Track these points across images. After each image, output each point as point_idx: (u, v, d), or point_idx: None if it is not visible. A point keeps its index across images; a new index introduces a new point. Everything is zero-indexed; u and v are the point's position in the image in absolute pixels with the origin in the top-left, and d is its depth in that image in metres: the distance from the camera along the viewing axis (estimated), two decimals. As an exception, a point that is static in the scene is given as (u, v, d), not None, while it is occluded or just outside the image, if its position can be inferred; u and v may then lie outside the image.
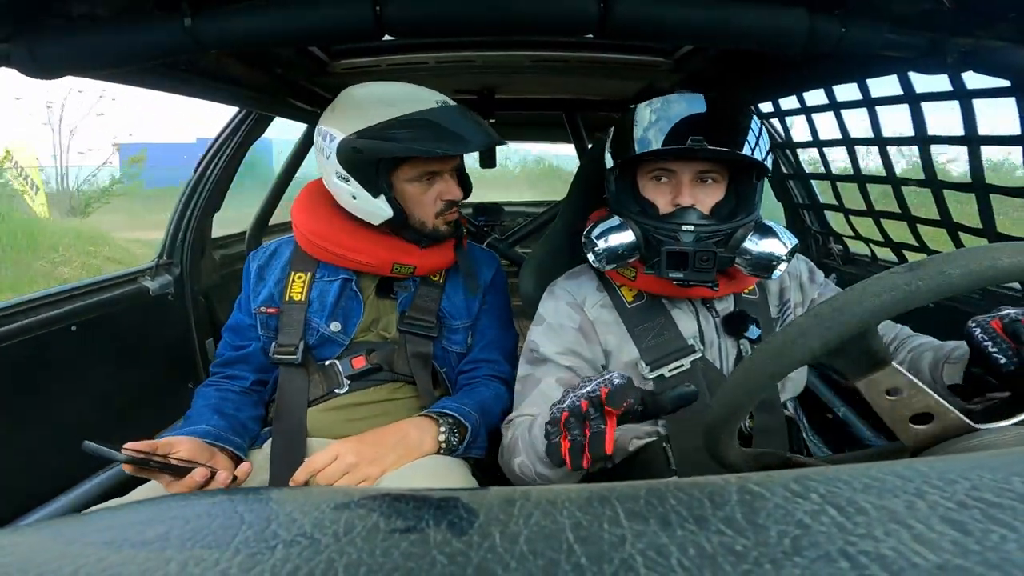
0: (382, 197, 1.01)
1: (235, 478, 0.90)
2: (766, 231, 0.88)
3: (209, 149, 1.73)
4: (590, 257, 0.93)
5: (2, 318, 1.20)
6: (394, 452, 0.92)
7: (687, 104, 0.89)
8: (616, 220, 0.92)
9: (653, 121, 0.89)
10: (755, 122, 0.90)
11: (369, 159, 0.99)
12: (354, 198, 1.02)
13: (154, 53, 0.78)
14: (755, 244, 0.87)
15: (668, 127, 0.87)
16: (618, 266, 0.92)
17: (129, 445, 0.82)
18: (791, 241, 0.88)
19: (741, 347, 0.95)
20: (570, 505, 0.26)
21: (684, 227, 0.87)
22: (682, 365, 0.92)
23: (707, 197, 0.90)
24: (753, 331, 0.94)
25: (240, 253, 2.04)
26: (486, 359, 1.15)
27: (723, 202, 0.91)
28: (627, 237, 0.90)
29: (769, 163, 0.90)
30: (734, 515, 0.24)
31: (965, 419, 0.51)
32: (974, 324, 0.67)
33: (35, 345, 1.25)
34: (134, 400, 1.47)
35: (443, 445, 0.96)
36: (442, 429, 0.96)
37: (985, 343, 0.65)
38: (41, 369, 1.26)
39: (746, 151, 0.86)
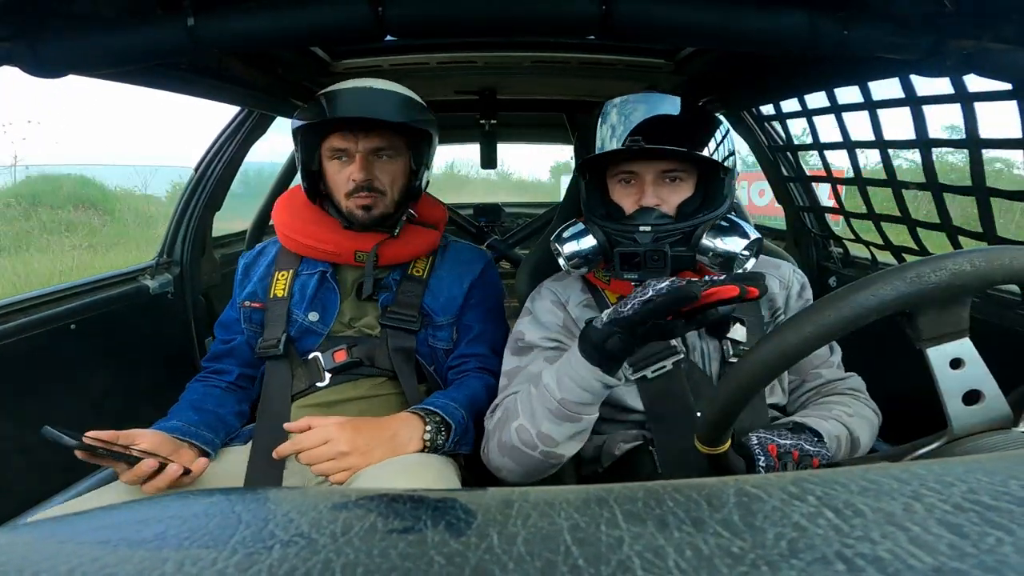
0: (303, 171, 1.10)
1: (188, 471, 0.90)
2: (727, 227, 0.87)
3: (210, 148, 1.73)
4: (560, 261, 0.94)
5: (1, 316, 1.20)
6: (382, 448, 0.92)
7: (639, 105, 0.90)
8: (581, 224, 0.93)
9: (608, 124, 0.90)
10: (716, 119, 0.91)
11: (295, 133, 1.08)
12: (300, 173, 1.11)
13: (157, 53, 0.78)
14: (716, 241, 0.86)
15: (620, 129, 0.87)
16: (589, 269, 0.93)
17: (90, 433, 0.83)
18: (752, 234, 0.87)
19: (724, 348, 0.95)
20: (568, 507, 0.26)
21: (642, 227, 0.87)
22: (664, 366, 0.92)
23: (672, 196, 0.90)
24: (738, 330, 0.94)
25: (240, 252, 2.04)
26: (474, 353, 1.15)
27: (689, 200, 0.91)
28: (590, 241, 0.91)
29: (729, 160, 0.90)
30: (731, 517, 0.24)
31: (1009, 410, 0.52)
32: (755, 438, 0.74)
33: (34, 343, 1.25)
34: (133, 398, 1.48)
35: (428, 444, 0.96)
36: (428, 428, 0.96)
37: (759, 456, 0.72)
38: (40, 367, 1.26)
39: (701, 148, 0.86)
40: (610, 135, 0.89)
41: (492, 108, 2.07)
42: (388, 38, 0.79)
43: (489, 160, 2.52)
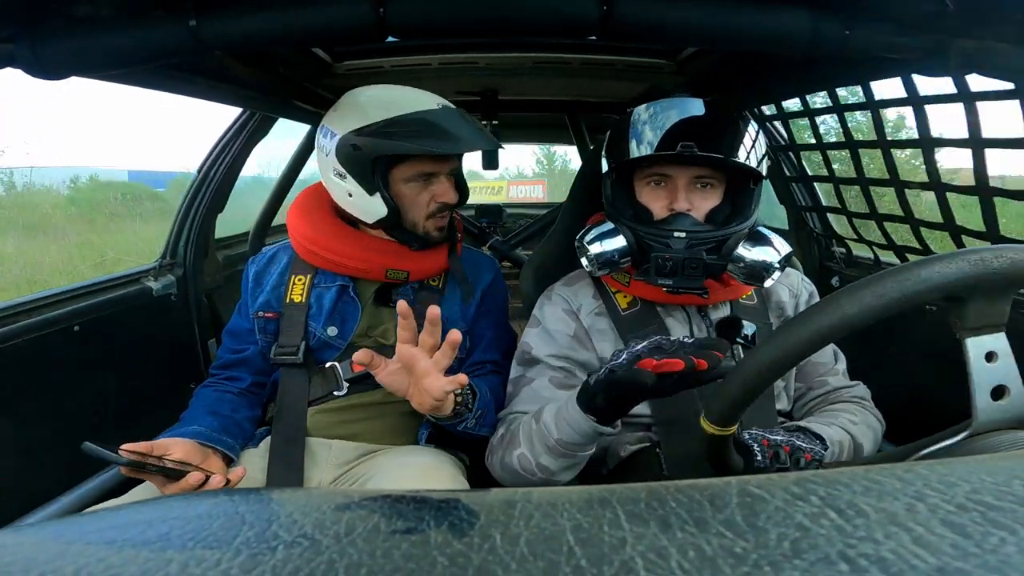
0: (377, 195, 1.01)
1: (228, 481, 0.90)
2: (760, 238, 0.88)
3: (212, 150, 1.74)
4: (583, 262, 0.93)
5: (5, 318, 1.20)
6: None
7: (683, 108, 0.89)
8: (609, 225, 0.92)
9: (649, 125, 0.89)
10: (752, 127, 0.90)
11: (366, 156, 0.99)
12: (350, 195, 1.03)
13: (159, 54, 0.79)
14: (748, 251, 0.86)
15: (663, 131, 0.87)
16: (611, 271, 0.92)
17: (127, 446, 0.83)
18: (784, 248, 0.88)
19: (733, 352, 0.95)
20: (570, 507, 0.26)
21: (676, 233, 0.87)
22: None
23: (703, 202, 0.90)
24: (749, 327, 0.94)
25: (243, 254, 2.04)
26: (490, 359, 1.15)
27: (719, 208, 0.91)
28: (619, 242, 0.90)
29: (764, 169, 0.89)
30: (734, 517, 0.24)
31: None
32: (747, 434, 0.74)
33: (38, 345, 1.25)
34: (136, 400, 1.48)
35: (459, 400, 0.92)
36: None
37: (754, 448, 0.72)
38: (44, 369, 1.26)
39: (741, 157, 0.86)
40: (646, 137, 0.88)
41: (494, 109, 2.07)
42: (390, 39, 0.79)
43: (490, 161, 2.52)
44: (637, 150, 0.88)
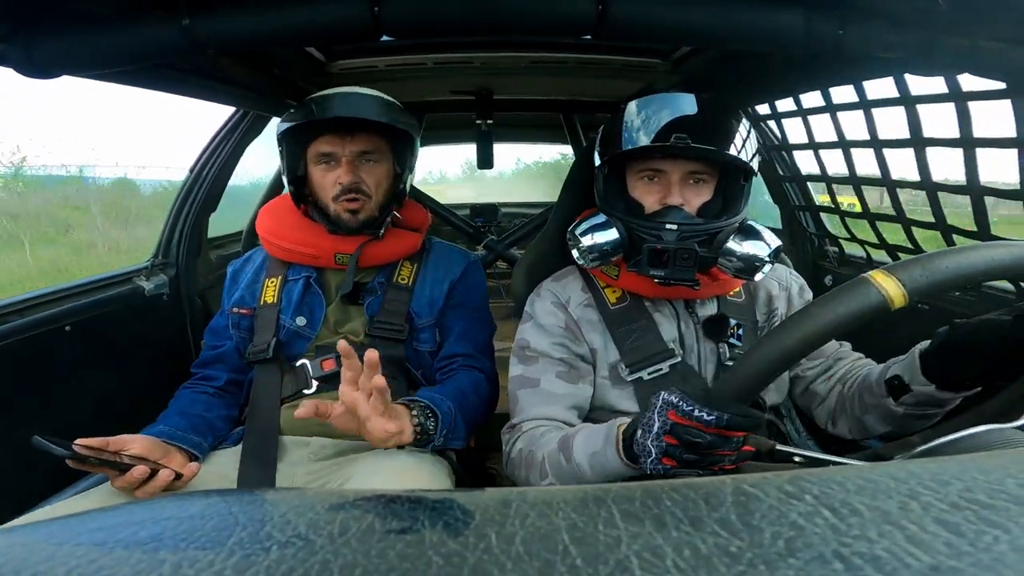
0: (288, 176, 1.11)
1: (179, 475, 0.89)
2: (750, 232, 0.88)
3: (205, 149, 1.73)
4: (574, 254, 0.93)
5: None
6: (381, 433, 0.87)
7: (677, 103, 0.90)
8: (601, 217, 0.93)
9: (642, 119, 0.90)
10: (744, 124, 0.90)
11: (280, 138, 1.08)
12: (284, 178, 1.13)
13: (152, 53, 0.78)
14: (739, 245, 0.87)
15: (657, 125, 0.87)
16: (602, 263, 0.93)
17: (80, 441, 0.83)
18: (775, 242, 0.88)
19: (721, 351, 0.95)
20: (565, 506, 0.26)
21: (668, 225, 0.87)
22: (661, 369, 0.92)
23: (695, 197, 0.91)
24: (735, 332, 0.95)
25: (236, 253, 2.03)
26: (459, 353, 1.16)
27: (710, 202, 0.91)
28: (611, 235, 0.90)
29: (756, 165, 0.90)
30: (729, 516, 0.24)
31: None
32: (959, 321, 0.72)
33: (29, 345, 1.24)
34: (128, 400, 1.47)
35: (419, 430, 0.91)
36: (414, 413, 0.93)
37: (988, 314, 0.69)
38: (35, 369, 1.26)
39: (734, 151, 0.86)
40: (640, 131, 0.88)
41: (488, 108, 2.07)
42: (384, 38, 0.79)
43: (485, 160, 2.51)
44: (631, 143, 0.89)
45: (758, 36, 0.82)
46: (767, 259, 0.87)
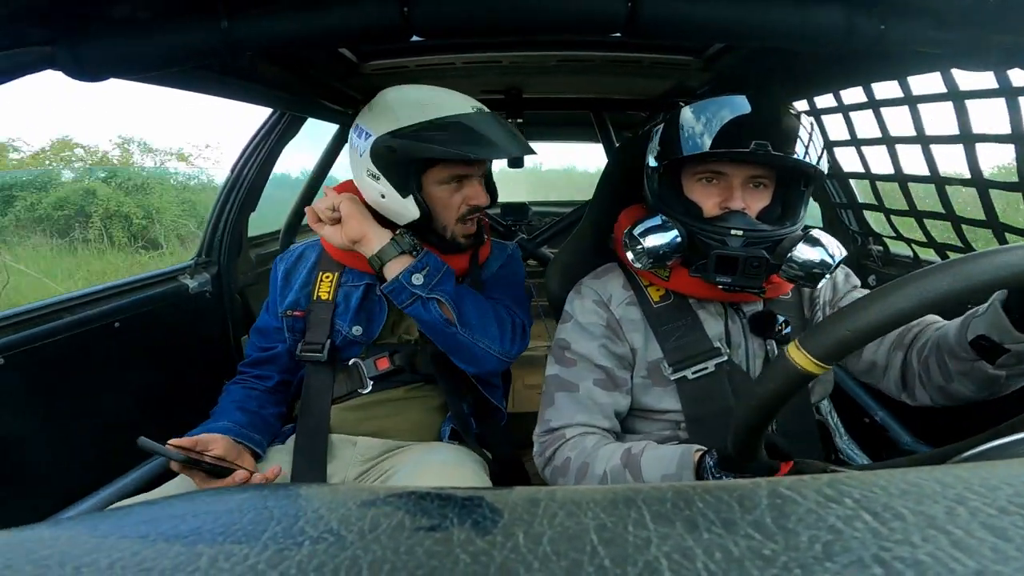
0: (410, 197, 1.01)
1: (266, 480, 0.93)
2: (815, 240, 0.85)
3: (244, 150, 1.77)
4: (630, 255, 0.91)
5: (48, 315, 1.25)
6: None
7: (738, 105, 0.87)
8: (659, 219, 0.90)
9: (711, 121, 0.87)
10: (807, 123, 0.87)
11: (401, 159, 1.00)
12: (383, 197, 1.03)
13: (192, 55, 0.80)
14: (803, 253, 0.84)
15: (720, 128, 0.85)
16: (658, 265, 0.90)
17: (173, 441, 0.86)
18: (841, 252, 0.85)
19: (768, 348, 0.93)
20: (595, 506, 0.26)
21: (733, 231, 0.85)
22: (706, 368, 0.91)
23: (756, 202, 0.88)
24: (782, 328, 0.92)
25: (275, 252, 2.08)
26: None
27: (770, 208, 0.89)
28: (670, 237, 0.88)
29: (826, 169, 0.87)
30: (763, 519, 0.24)
31: None
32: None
33: (81, 341, 1.29)
34: (172, 395, 1.52)
35: (397, 242, 1.01)
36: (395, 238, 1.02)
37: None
38: (86, 364, 1.31)
39: (812, 158, 0.84)
40: (702, 133, 0.86)
41: (518, 107, 2.07)
42: (414, 38, 0.80)
43: (516, 161, 2.52)
44: (699, 146, 0.86)
45: (796, 33, 0.79)
46: (832, 268, 0.84)
